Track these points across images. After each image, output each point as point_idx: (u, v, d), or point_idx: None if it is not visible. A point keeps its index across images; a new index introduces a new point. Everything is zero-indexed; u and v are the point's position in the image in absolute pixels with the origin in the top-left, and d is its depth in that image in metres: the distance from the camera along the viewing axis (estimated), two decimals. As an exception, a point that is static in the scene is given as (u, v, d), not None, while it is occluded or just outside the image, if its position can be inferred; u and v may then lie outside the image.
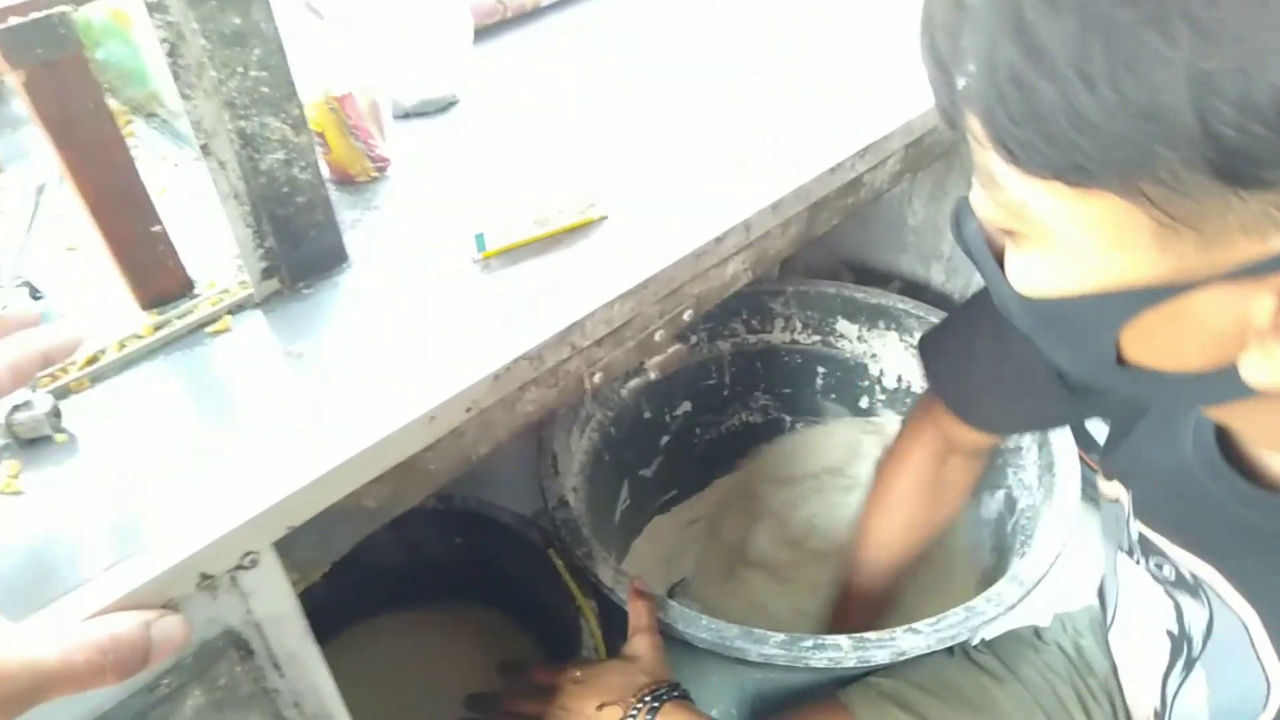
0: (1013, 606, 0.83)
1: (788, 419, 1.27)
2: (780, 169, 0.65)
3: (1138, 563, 0.62)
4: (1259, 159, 0.28)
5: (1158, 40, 0.27)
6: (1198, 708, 0.60)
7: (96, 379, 0.53)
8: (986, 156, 0.35)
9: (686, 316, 0.62)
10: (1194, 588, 0.56)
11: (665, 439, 1.19)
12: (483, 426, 0.54)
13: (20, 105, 0.82)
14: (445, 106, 0.75)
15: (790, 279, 1.17)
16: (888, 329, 1.16)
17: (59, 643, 0.34)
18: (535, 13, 0.87)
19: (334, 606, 0.86)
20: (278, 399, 0.51)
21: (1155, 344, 0.36)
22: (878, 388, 1.21)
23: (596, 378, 0.58)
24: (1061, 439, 0.97)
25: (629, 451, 1.12)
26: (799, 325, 1.19)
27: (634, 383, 0.60)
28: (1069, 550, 0.89)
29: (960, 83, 0.34)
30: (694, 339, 1.16)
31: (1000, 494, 1.09)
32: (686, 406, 1.20)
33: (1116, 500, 0.63)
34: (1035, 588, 0.85)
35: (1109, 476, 0.64)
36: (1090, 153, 0.30)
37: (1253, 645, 0.51)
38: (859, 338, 1.19)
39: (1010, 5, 0.30)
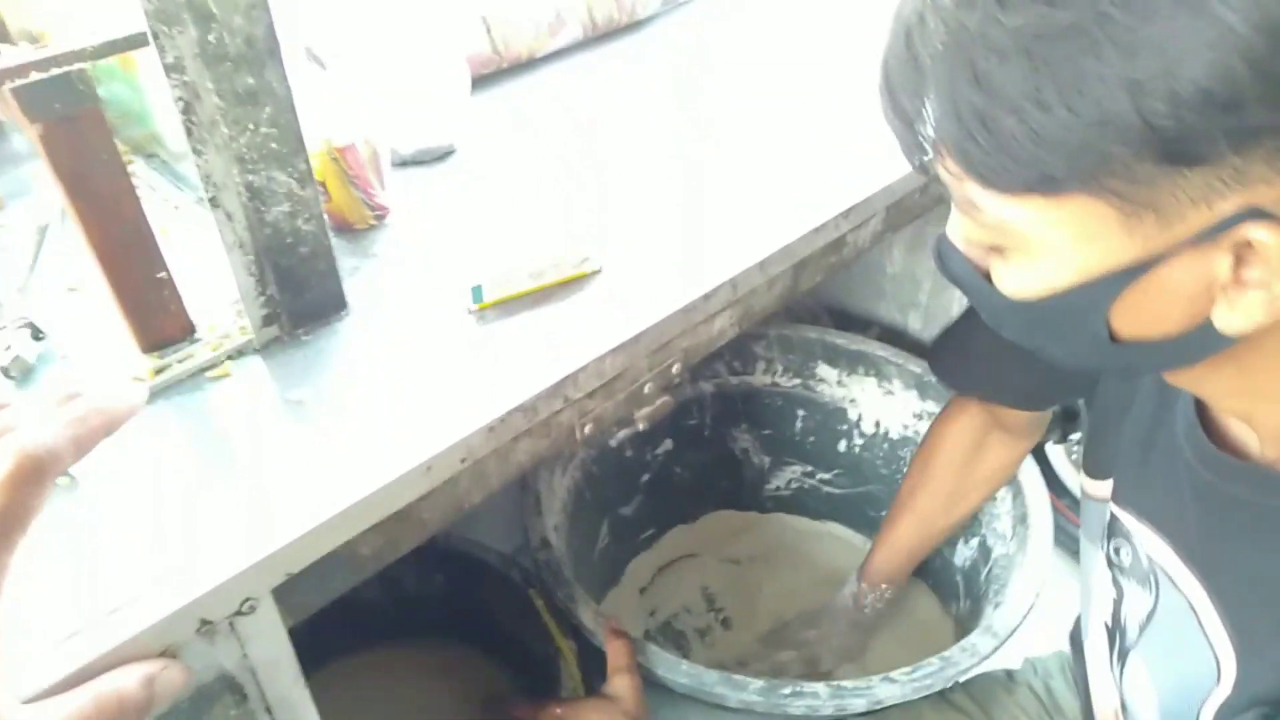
0: (987, 657, 0.85)
1: (768, 460, 1.29)
2: (766, 228, 0.67)
3: (1100, 549, 0.65)
4: (1194, 139, 0.34)
5: (1094, 63, 0.34)
6: (1144, 697, 0.62)
7: (97, 422, 0.54)
8: (964, 187, 0.41)
9: (675, 369, 0.65)
10: (1145, 574, 0.59)
11: (646, 477, 1.20)
12: (476, 476, 0.55)
13: (21, 141, 0.84)
14: (443, 155, 0.77)
15: (772, 323, 1.20)
16: (866, 374, 1.19)
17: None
18: (531, 63, 0.90)
19: (315, 642, 0.86)
20: (277, 446, 0.53)
21: (1140, 316, 0.41)
22: (855, 432, 1.24)
23: (588, 428, 0.60)
24: (1035, 490, 0.99)
25: (610, 489, 1.14)
26: (780, 368, 1.22)
27: (623, 433, 0.62)
28: (1041, 599, 0.91)
29: (929, 131, 0.40)
30: (677, 378, 1.18)
31: (974, 541, 1.11)
32: (668, 445, 1.21)
33: (1106, 499, 0.66)
34: (1009, 639, 0.87)
35: (1094, 475, 0.67)
36: (1056, 164, 0.36)
37: (1200, 626, 0.54)
38: (838, 382, 1.21)
39: (963, 59, 0.36)
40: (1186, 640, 0.55)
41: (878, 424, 1.21)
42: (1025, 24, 0.35)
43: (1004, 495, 1.04)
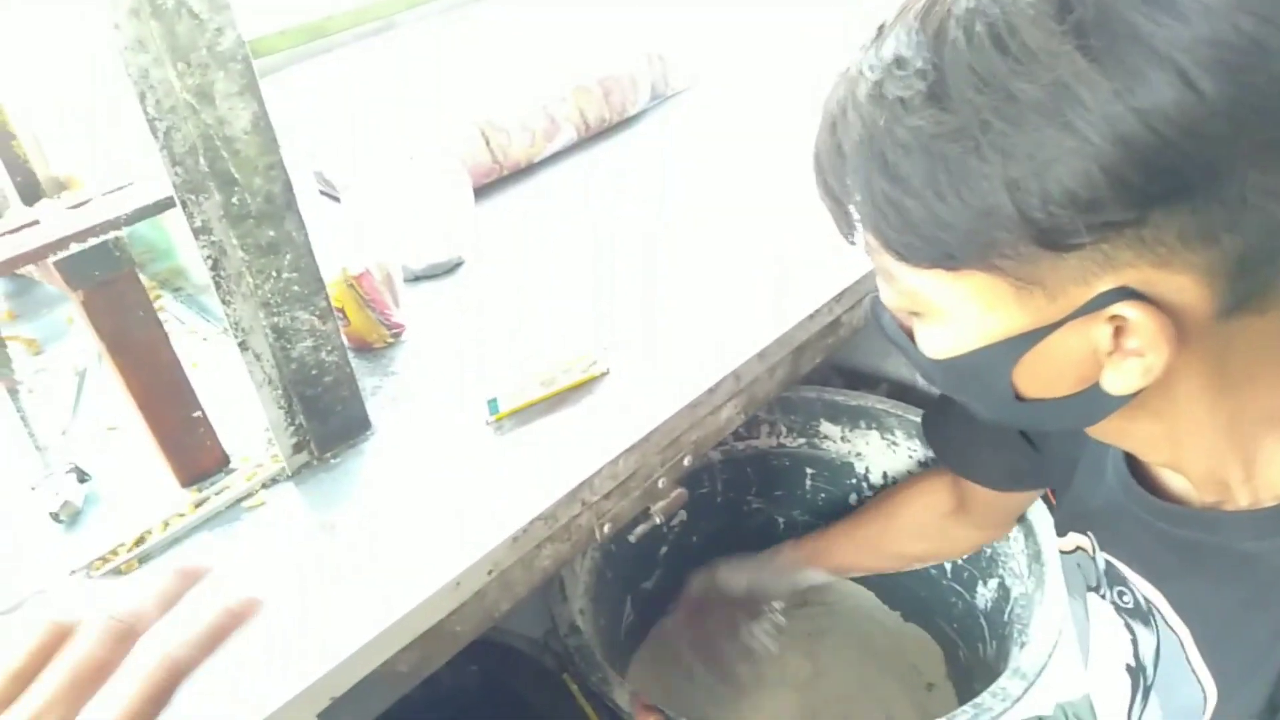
0: (1019, 699, 0.86)
1: (781, 521, 1.31)
2: (764, 317, 0.71)
3: (1103, 596, 0.67)
4: (1063, 230, 0.38)
5: (979, 164, 0.39)
6: None
7: (144, 559, 0.58)
8: (883, 259, 0.46)
9: (686, 462, 0.67)
10: (1146, 614, 0.62)
11: (664, 550, 1.23)
12: (503, 586, 0.58)
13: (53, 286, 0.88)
14: (453, 268, 0.81)
15: (776, 387, 1.23)
16: (869, 428, 1.21)
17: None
18: (530, 168, 0.95)
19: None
20: (313, 571, 0.56)
21: (1038, 378, 0.45)
22: (864, 484, 1.26)
23: (606, 528, 0.63)
24: (1045, 528, 1.01)
25: (629, 567, 1.16)
26: (784, 430, 1.24)
27: (640, 528, 0.65)
28: (1067, 637, 0.92)
29: (852, 209, 0.45)
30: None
31: (993, 583, 1.13)
32: (682, 516, 1.23)
33: (1077, 549, 0.69)
34: (1038, 678, 0.88)
35: (1061, 532, 0.69)
36: (954, 245, 0.41)
37: (1188, 661, 0.57)
38: (842, 438, 1.24)
39: (876, 150, 0.41)
40: (1183, 674, 0.58)
41: (885, 474, 1.23)
42: (923, 124, 0.39)
43: (1016, 535, 1.06)
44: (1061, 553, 0.71)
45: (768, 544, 1.33)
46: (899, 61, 0.40)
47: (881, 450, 1.22)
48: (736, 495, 1.28)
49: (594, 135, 0.99)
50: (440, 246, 0.79)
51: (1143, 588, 0.61)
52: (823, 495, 1.29)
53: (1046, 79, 0.37)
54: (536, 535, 0.58)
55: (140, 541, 0.58)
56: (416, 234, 0.78)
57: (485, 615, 0.58)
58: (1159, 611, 0.60)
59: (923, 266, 0.44)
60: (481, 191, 0.90)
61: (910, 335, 0.51)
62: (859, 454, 1.24)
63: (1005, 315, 0.43)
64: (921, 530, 0.98)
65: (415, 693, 1.03)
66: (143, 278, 0.83)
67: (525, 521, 0.57)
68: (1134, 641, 0.66)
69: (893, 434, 1.20)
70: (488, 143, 0.89)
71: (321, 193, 0.88)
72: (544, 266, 0.81)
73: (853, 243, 0.48)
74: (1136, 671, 0.67)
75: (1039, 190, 0.38)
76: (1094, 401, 0.45)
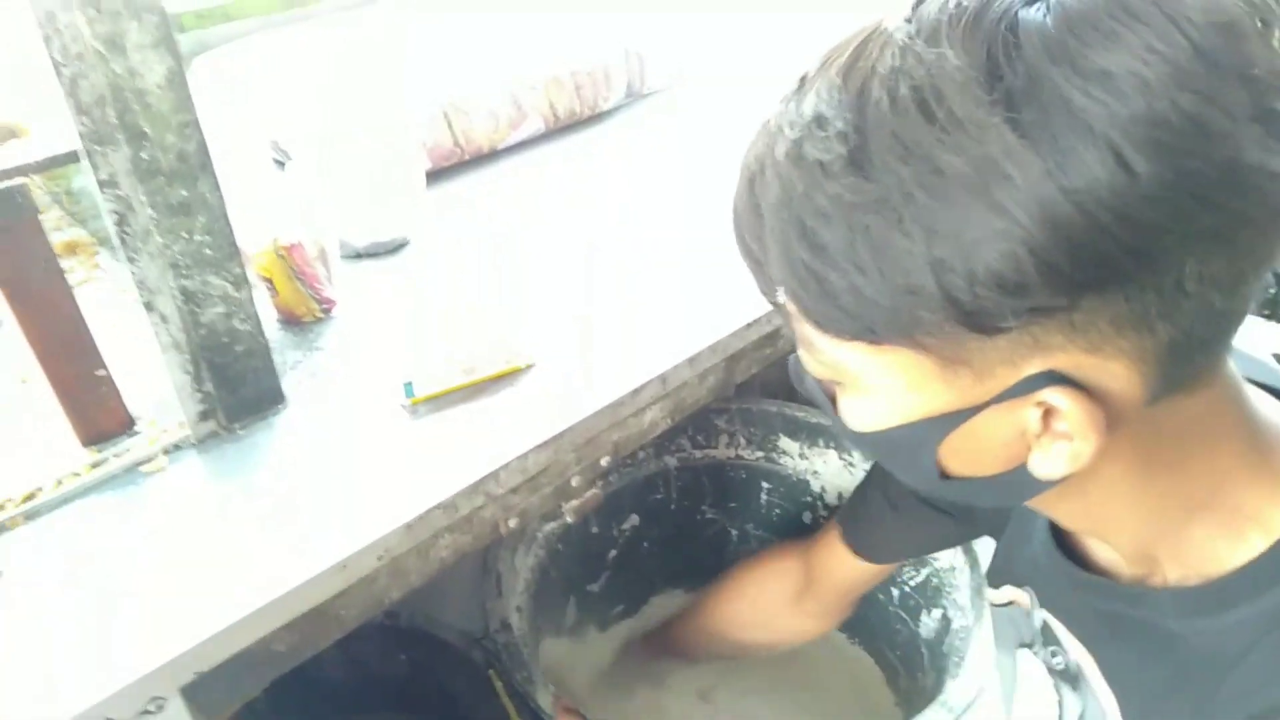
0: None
1: (734, 532, 1.30)
2: (699, 323, 0.69)
3: (1036, 654, 0.65)
4: (990, 314, 0.36)
5: (902, 239, 0.36)
6: None
7: (32, 516, 0.56)
8: (802, 326, 0.43)
9: (604, 462, 0.66)
10: (1075, 677, 0.59)
11: (613, 553, 1.21)
12: (395, 573, 0.56)
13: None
14: (396, 248, 0.79)
15: (735, 397, 1.21)
16: (827, 447, 1.20)
17: None
18: (493, 154, 0.93)
19: (275, 718, 0.87)
20: (200, 543, 0.54)
21: (964, 457, 0.43)
22: (819, 504, 1.24)
23: (512, 523, 0.61)
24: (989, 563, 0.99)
25: (576, 567, 1.14)
26: (743, 441, 1.22)
27: (550, 526, 0.63)
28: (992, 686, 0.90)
29: (770, 271, 0.42)
30: (641, 454, 1.19)
31: (937, 613, 1.11)
32: (634, 520, 1.22)
33: (1010, 603, 0.67)
34: (965, 713, 0.86)
35: (995, 584, 0.68)
36: (874, 319, 0.38)
37: None
38: (800, 455, 1.22)
39: (794, 216, 0.38)
40: None
41: (840, 496, 1.21)
42: (842, 191, 0.36)
43: (961, 567, 1.04)
44: (993, 605, 0.69)
45: (720, 555, 1.32)
46: (819, 120, 0.37)
47: (838, 470, 1.20)
48: (691, 503, 1.26)
49: (562, 127, 0.97)
50: (385, 225, 0.78)
51: (1076, 650, 0.59)
52: (777, 511, 1.27)
53: (974, 152, 0.34)
54: (434, 524, 0.57)
55: (29, 498, 0.56)
56: (361, 210, 0.77)
57: (374, 601, 0.56)
58: (1088, 678, 0.58)
59: (842, 338, 0.40)
60: (440, 174, 0.88)
61: (833, 400, 0.48)
62: (815, 472, 1.22)
63: (930, 393, 0.41)
64: (764, 618, 0.97)
65: (342, 677, 1.02)
66: (83, 233, 0.83)
67: (423, 509, 0.56)
68: (1060, 705, 0.64)
69: (850, 454, 1.18)
70: (449, 124, 0.88)
71: (276, 161, 0.87)
72: (486, 255, 0.79)
73: (775, 304, 0.45)
74: None
75: (964, 271, 0.35)
76: (1021, 482, 0.42)
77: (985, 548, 1.00)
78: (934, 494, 0.48)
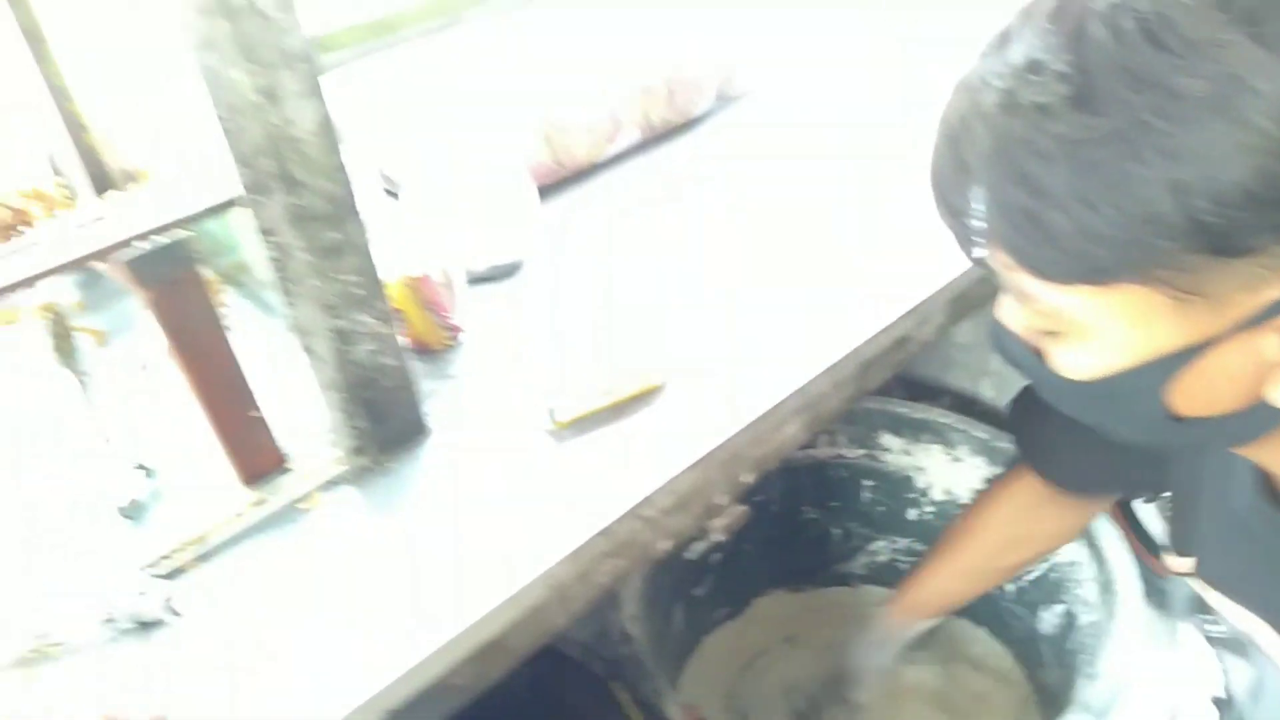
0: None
1: (836, 532, 1.28)
2: (830, 332, 0.68)
3: (1193, 623, 0.64)
4: (1239, 234, 0.36)
5: (1138, 167, 0.36)
6: None
7: (204, 558, 0.57)
8: (1017, 278, 0.42)
9: (746, 479, 0.65)
10: (1242, 646, 0.58)
11: (717, 556, 1.20)
12: (561, 601, 0.57)
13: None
14: (512, 270, 0.80)
15: (835, 396, 1.20)
16: (932, 443, 1.18)
17: None
18: (593, 169, 0.93)
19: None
20: (369, 580, 0.55)
21: (1198, 395, 0.42)
22: (925, 500, 1.22)
23: (664, 545, 0.61)
24: (1118, 556, 0.97)
25: (682, 572, 1.14)
26: (844, 440, 1.21)
27: (699, 545, 0.63)
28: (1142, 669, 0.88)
29: (979, 225, 0.42)
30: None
31: (1058, 609, 1.09)
32: (737, 523, 1.21)
33: (1190, 574, 0.65)
34: (1107, 716, 0.84)
35: (1181, 553, 0.66)
36: (1106, 258, 0.38)
37: None
38: (904, 451, 1.20)
39: (1010, 162, 0.38)
40: None
41: (947, 492, 1.20)
42: (1068, 130, 0.37)
43: (1086, 561, 1.02)
44: (1176, 574, 0.67)
45: (821, 554, 1.31)
46: (1033, 66, 0.37)
47: (944, 465, 1.18)
48: (792, 505, 1.25)
49: (659, 136, 0.97)
50: (502, 248, 0.78)
51: (1241, 619, 0.58)
52: (880, 508, 1.25)
53: (1213, 71, 0.34)
54: (596, 550, 0.57)
55: (199, 540, 0.58)
56: (478, 235, 0.77)
57: (543, 630, 0.57)
58: (1258, 645, 0.57)
59: (1065, 283, 0.40)
60: (542, 192, 0.88)
61: (1039, 357, 0.47)
62: (920, 468, 1.20)
63: (1160, 330, 0.40)
64: (1018, 538, 0.91)
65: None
66: (206, 271, 0.84)
67: (585, 538, 0.56)
68: (1225, 672, 0.63)
69: (955, 450, 1.16)
70: (549, 142, 0.88)
71: (386, 191, 0.87)
72: (605, 271, 0.79)
73: (973, 260, 0.45)
74: (1226, 703, 0.63)
75: (1211, 192, 0.35)
76: (1261, 416, 0.42)
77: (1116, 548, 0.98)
78: (1156, 441, 0.48)
